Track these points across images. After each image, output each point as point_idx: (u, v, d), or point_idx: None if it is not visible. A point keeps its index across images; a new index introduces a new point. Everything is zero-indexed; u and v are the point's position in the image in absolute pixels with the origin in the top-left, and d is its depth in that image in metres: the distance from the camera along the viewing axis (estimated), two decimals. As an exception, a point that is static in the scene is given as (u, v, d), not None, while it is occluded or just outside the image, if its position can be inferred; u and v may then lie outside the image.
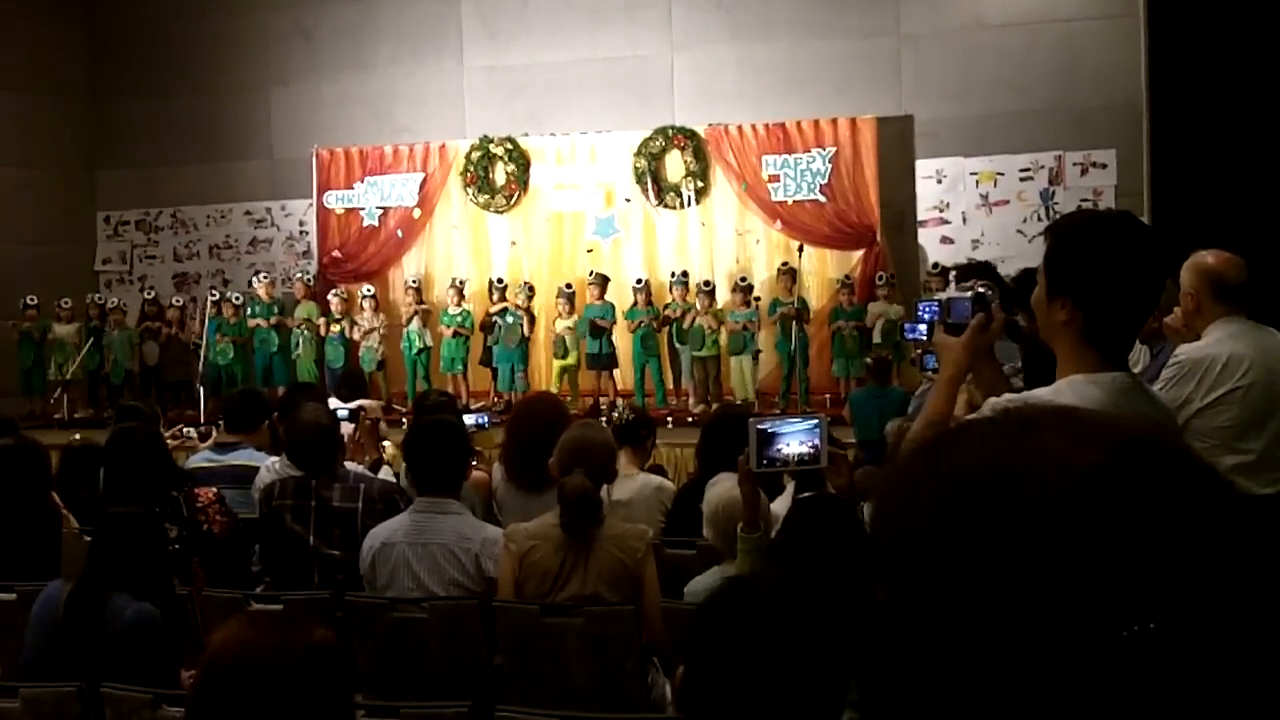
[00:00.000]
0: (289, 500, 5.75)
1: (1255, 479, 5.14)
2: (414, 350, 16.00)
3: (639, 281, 15.47)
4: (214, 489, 6.10)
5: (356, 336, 16.19)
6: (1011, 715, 0.79)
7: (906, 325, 3.58)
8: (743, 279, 15.19)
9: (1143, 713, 0.76)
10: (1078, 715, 0.77)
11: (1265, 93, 12.98)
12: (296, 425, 6.00)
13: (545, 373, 16.03)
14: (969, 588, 0.81)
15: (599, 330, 15.25)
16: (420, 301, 16.23)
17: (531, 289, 15.99)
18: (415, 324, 16.03)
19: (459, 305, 15.98)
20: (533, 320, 15.79)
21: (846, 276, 15.16)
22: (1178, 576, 0.78)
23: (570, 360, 15.45)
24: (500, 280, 16.13)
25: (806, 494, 4.51)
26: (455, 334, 15.82)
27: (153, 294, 17.45)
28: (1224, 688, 0.77)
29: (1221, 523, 0.82)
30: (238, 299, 16.69)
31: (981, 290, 3.47)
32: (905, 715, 0.85)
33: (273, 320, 16.57)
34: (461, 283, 16.23)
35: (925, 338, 3.52)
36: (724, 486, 4.95)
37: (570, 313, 15.46)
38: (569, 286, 15.69)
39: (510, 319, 15.63)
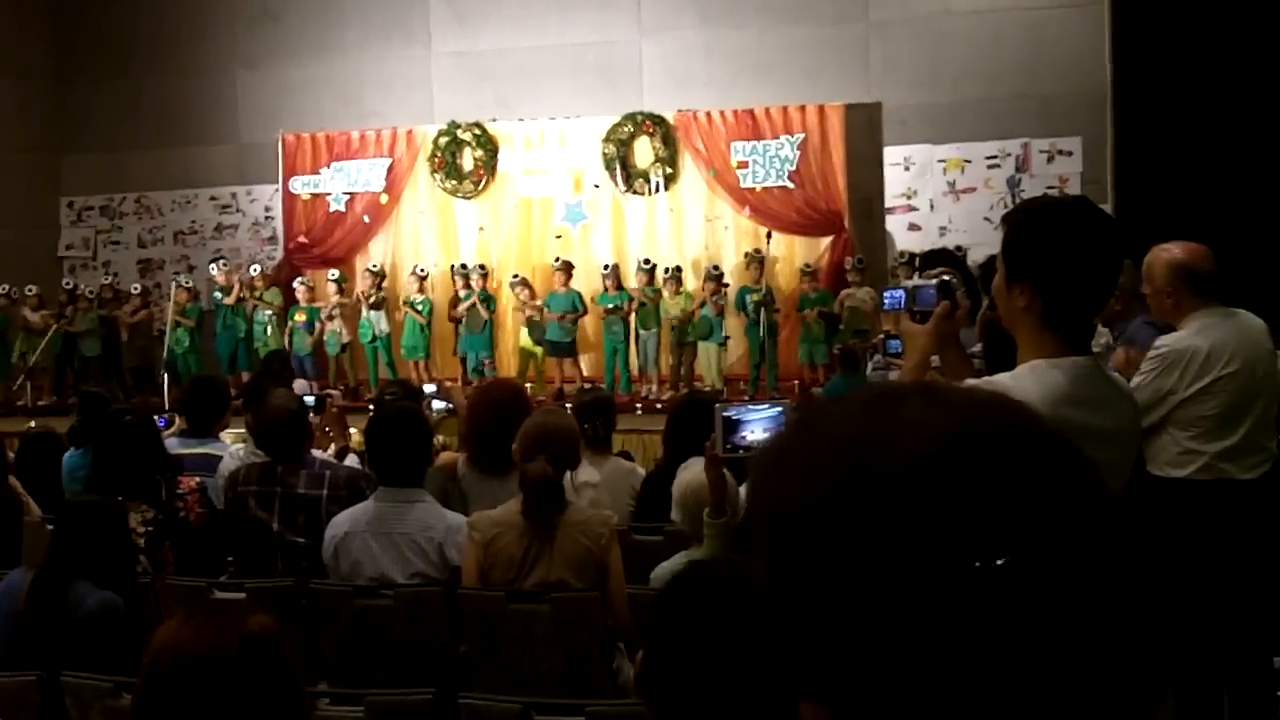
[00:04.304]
0: (253, 486, 5.72)
1: (1237, 464, 5.21)
2: (369, 337, 15.99)
3: (606, 267, 15.48)
4: (197, 478, 6.08)
5: (323, 319, 16.14)
6: (880, 666, 0.84)
7: (886, 293, 3.61)
8: (715, 268, 15.21)
9: (993, 649, 0.82)
10: (939, 655, 0.82)
11: (1229, 81, 13.06)
12: (265, 411, 5.96)
13: (512, 359, 16.02)
14: (831, 549, 0.86)
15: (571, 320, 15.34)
16: (380, 288, 16.17)
17: (485, 270, 15.98)
18: (373, 311, 16.00)
19: (420, 294, 15.99)
20: (491, 303, 15.80)
21: (807, 264, 15.20)
22: (1017, 525, 0.84)
23: (541, 348, 15.49)
24: (464, 266, 16.12)
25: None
26: (413, 312, 15.85)
27: (110, 279, 17.34)
28: (1068, 623, 0.83)
29: (1060, 477, 0.88)
30: (188, 283, 16.59)
31: (947, 278, 3.49)
32: (791, 677, 0.90)
33: (229, 301, 16.50)
34: (424, 271, 16.21)
35: (901, 306, 3.54)
36: (695, 470, 4.95)
37: (531, 298, 15.51)
38: (516, 276, 15.73)
39: (470, 302, 15.66)
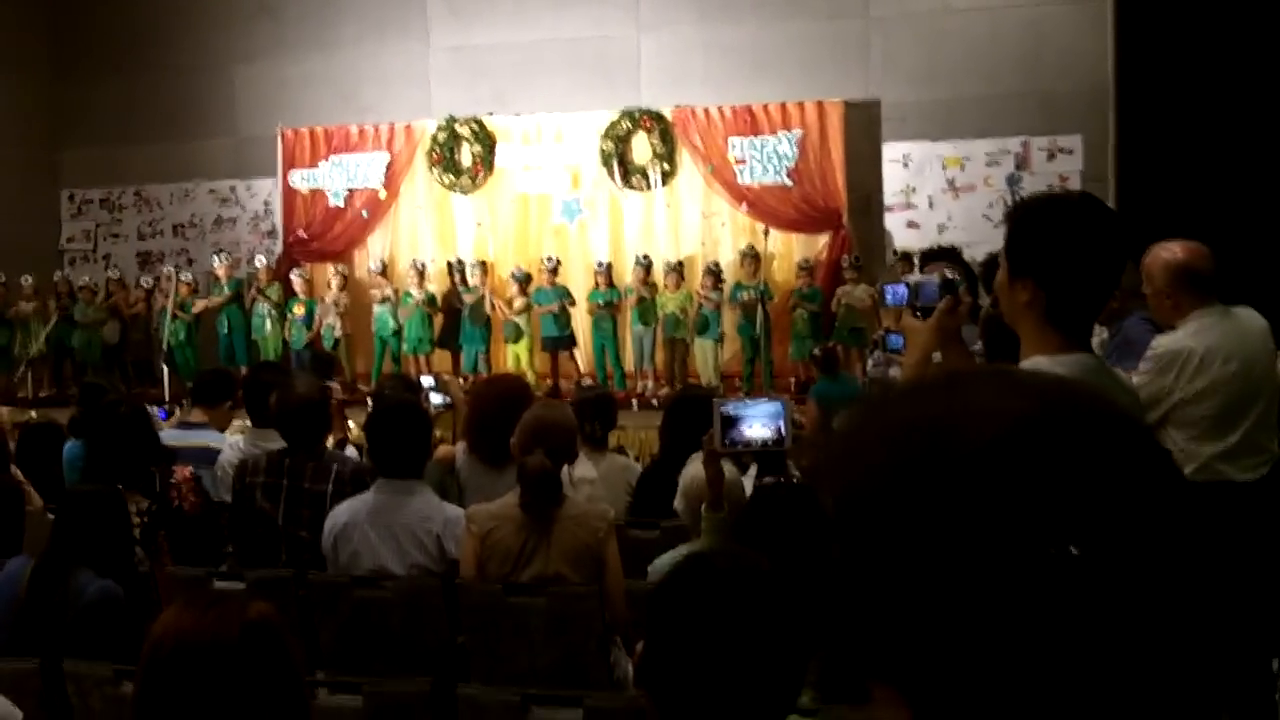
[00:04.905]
0: (261, 478, 5.71)
1: (1235, 465, 5.19)
2: (388, 332, 16.01)
3: (600, 264, 15.51)
4: (190, 467, 6.07)
5: (321, 313, 16.16)
6: (948, 649, 0.84)
7: (888, 288, 3.61)
8: (715, 264, 15.23)
9: (1067, 632, 0.82)
10: (1008, 640, 0.83)
11: (1232, 79, 13.05)
12: (289, 397, 5.90)
13: (506, 354, 16.05)
14: (904, 531, 0.87)
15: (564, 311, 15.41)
16: (387, 283, 16.20)
17: (485, 266, 16.03)
18: (386, 307, 16.03)
19: (420, 287, 16.02)
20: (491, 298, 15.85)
21: (805, 260, 15.22)
22: (1096, 510, 0.84)
23: (523, 345, 15.49)
24: (460, 261, 16.15)
25: (768, 479, 4.53)
26: (428, 307, 15.91)
27: (118, 273, 17.37)
28: (1140, 609, 0.83)
29: (1137, 465, 0.87)
30: (187, 278, 16.61)
31: (949, 274, 3.50)
32: (863, 655, 0.91)
33: (225, 298, 16.52)
34: (423, 264, 16.25)
35: (903, 302, 3.54)
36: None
37: (523, 294, 15.54)
38: (519, 269, 15.77)
39: (472, 298, 15.69)
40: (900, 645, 0.87)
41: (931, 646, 0.85)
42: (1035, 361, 2.89)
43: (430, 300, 16.03)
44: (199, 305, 16.51)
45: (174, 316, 16.00)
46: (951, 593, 0.84)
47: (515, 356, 15.55)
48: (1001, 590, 0.82)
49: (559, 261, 15.70)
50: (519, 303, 15.50)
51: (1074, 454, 0.85)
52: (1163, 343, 5.30)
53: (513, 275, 15.70)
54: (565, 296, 15.50)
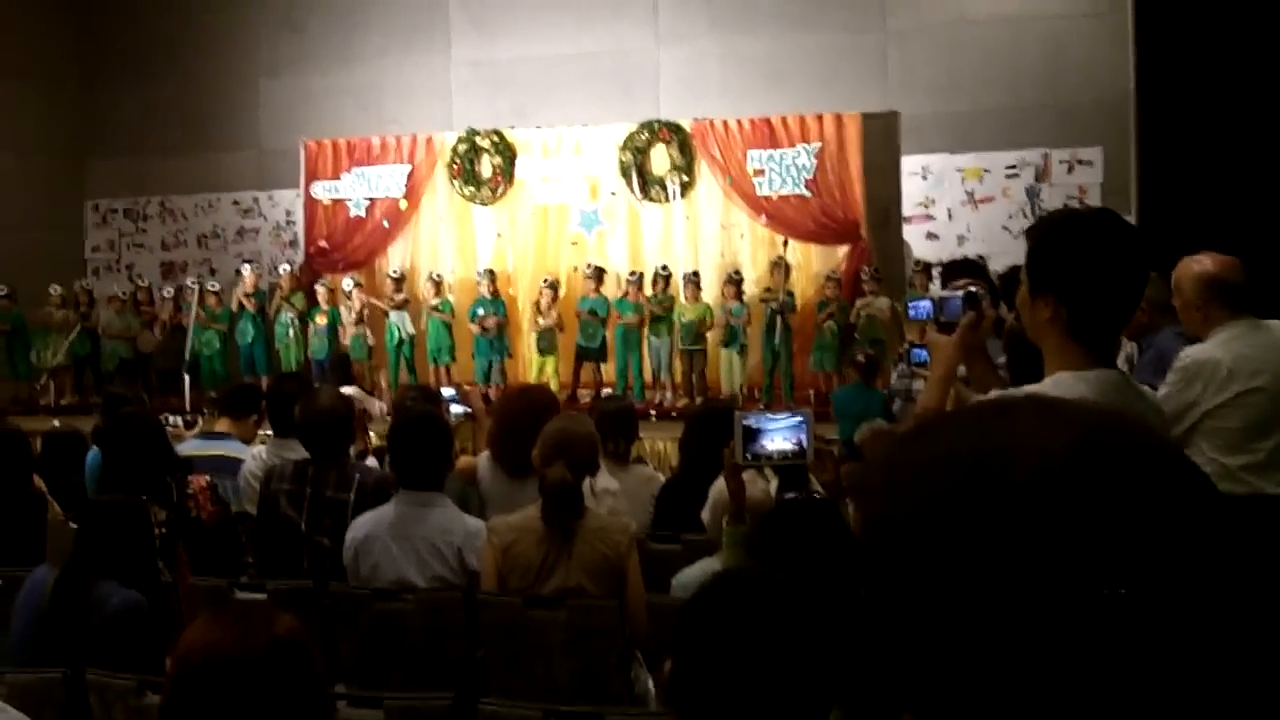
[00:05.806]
0: (286, 485, 5.72)
1: (1266, 478, 5.13)
2: (395, 341, 16.04)
3: (633, 274, 15.51)
4: (207, 476, 6.08)
5: (348, 323, 16.20)
6: (990, 680, 0.83)
7: (912, 303, 3.61)
8: (736, 273, 15.23)
9: (1112, 676, 0.80)
10: (1048, 678, 0.81)
11: (1252, 90, 13.02)
12: (313, 408, 5.91)
13: (526, 365, 16.06)
14: (946, 563, 0.85)
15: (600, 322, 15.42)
16: (400, 291, 16.23)
17: (494, 275, 16.05)
18: (396, 315, 16.07)
19: (437, 296, 16.05)
20: (501, 307, 15.88)
21: (834, 271, 15.19)
22: (1143, 547, 0.82)
23: (552, 357, 15.50)
24: (489, 271, 16.18)
25: (789, 494, 4.52)
26: (438, 314, 15.96)
27: (146, 283, 17.47)
28: (1189, 652, 0.81)
29: (1184, 499, 0.86)
30: (214, 287, 16.70)
31: (973, 289, 3.49)
32: (896, 689, 0.89)
33: (251, 307, 16.60)
34: (439, 276, 16.28)
35: (928, 317, 3.54)
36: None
37: (553, 303, 15.52)
38: (547, 279, 15.78)
39: (483, 309, 15.72)
40: (935, 681, 0.85)
41: (967, 683, 0.83)
42: (1058, 378, 2.88)
43: (438, 306, 16.03)
44: (247, 303, 16.59)
45: (204, 326, 16.11)
46: (993, 627, 0.82)
47: (539, 367, 15.55)
48: (1042, 630, 0.81)
49: (600, 270, 15.72)
50: (552, 315, 15.50)
51: (1118, 490, 0.84)
52: (1190, 354, 5.25)
53: (545, 283, 15.71)
54: (603, 310, 15.49)
